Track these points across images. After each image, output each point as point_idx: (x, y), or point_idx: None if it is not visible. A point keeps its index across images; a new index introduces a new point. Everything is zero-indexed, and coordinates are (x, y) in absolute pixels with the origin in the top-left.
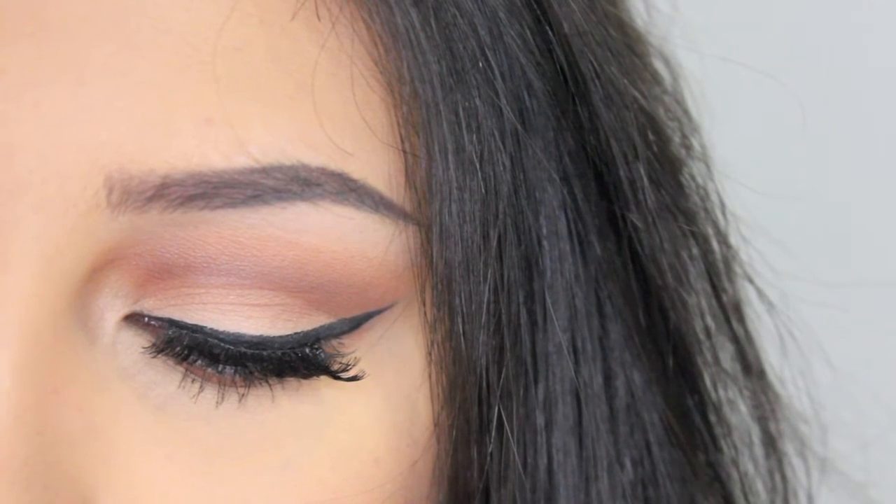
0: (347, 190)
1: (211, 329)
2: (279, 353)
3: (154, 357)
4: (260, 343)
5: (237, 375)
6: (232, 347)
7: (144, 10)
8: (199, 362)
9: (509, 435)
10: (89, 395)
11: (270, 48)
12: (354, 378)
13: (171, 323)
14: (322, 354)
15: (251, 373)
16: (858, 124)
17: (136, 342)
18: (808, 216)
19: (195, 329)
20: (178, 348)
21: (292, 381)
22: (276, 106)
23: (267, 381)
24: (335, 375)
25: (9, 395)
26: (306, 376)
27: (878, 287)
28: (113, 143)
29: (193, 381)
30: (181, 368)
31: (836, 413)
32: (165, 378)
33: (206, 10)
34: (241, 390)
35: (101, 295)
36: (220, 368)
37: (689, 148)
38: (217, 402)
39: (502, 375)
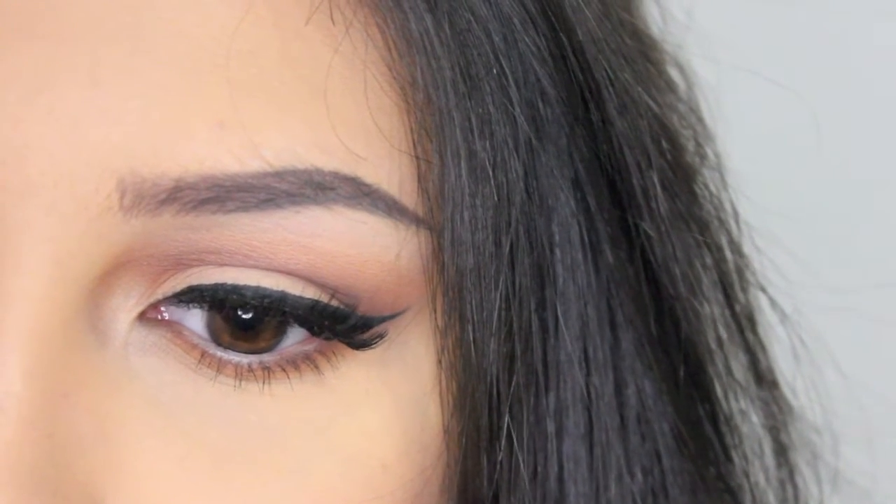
0: (360, 194)
1: (232, 284)
2: (299, 312)
3: (179, 305)
4: (281, 298)
5: (255, 364)
6: (254, 301)
7: (158, 13)
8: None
9: (519, 443)
10: (100, 399)
11: (284, 52)
12: (371, 342)
13: (192, 289)
14: (339, 327)
15: (272, 318)
16: (873, 133)
17: (149, 339)
18: (823, 225)
19: (216, 288)
20: (201, 301)
21: (309, 375)
22: (290, 110)
23: (285, 371)
24: (351, 337)
25: (19, 399)
26: (327, 338)
27: (892, 297)
28: (125, 145)
29: (210, 364)
30: (195, 355)
31: (848, 423)
32: (177, 378)
33: (219, 13)
34: (260, 385)
35: (113, 296)
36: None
37: (703, 157)
38: (230, 397)
39: (513, 383)
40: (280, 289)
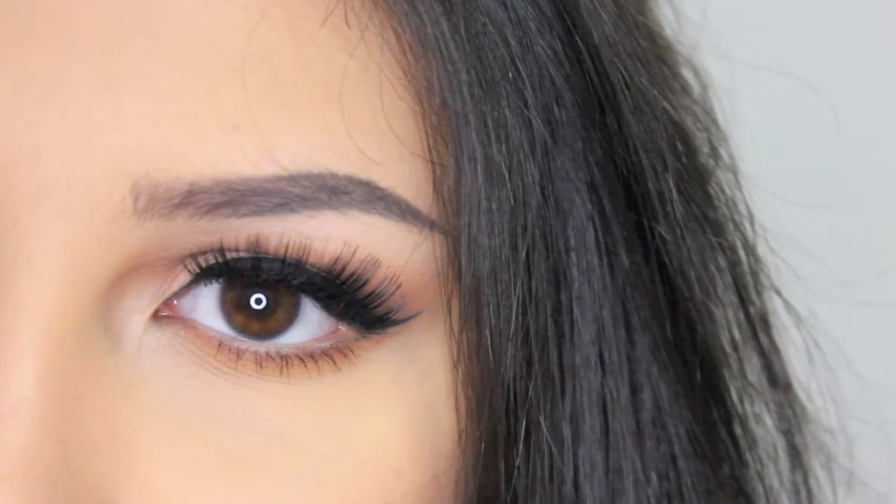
0: (375, 198)
1: (252, 255)
2: (315, 280)
3: (196, 280)
4: (298, 263)
5: (272, 351)
6: (273, 265)
7: (172, 16)
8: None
9: (536, 447)
10: (112, 402)
11: (299, 55)
12: (385, 319)
13: (209, 265)
14: (357, 294)
15: (286, 291)
16: (891, 133)
17: (163, 339)
18: (836, 227)
19: (233, 260)
20: (217, 274)
21: (328, 368)
22: (304, 113)
23: (303, 362)
24: (366, 312)
25: (32, 404)
26: (341, 315)
27: None
28: (140, 149)
29: (227, 355)
30: (212, 348)
31: (863, 426)
32: (191, 380)
33: (234, 16)
34: (278, 377)
35: (126, 298)
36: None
37: (717, 158)
38: (245, 396)
39: (530, 388)
40: (297, 258)
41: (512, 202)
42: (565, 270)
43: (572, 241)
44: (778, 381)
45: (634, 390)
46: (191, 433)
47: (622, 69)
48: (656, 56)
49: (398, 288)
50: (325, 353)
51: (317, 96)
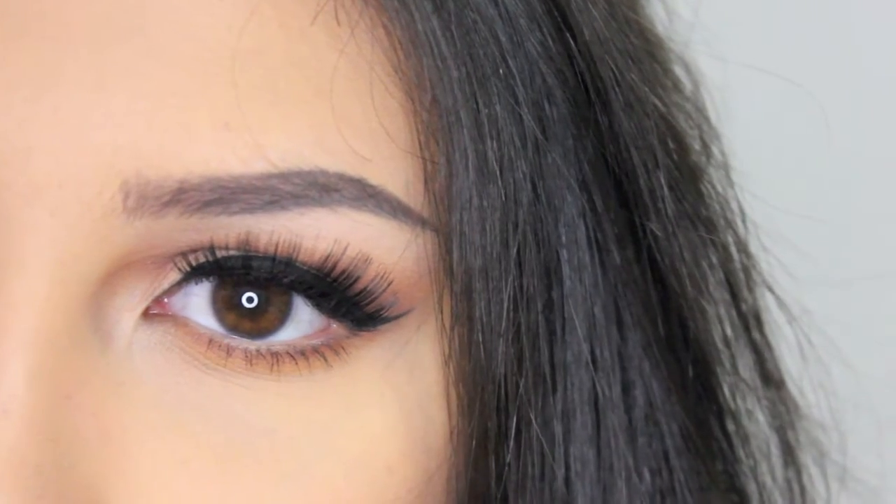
0: (365, 196)
1: (242, 253)
2: (308, 275)
3: (187, 279)
4: (288, 261)
5: (263, 349)
6: (264, 263)
7: (165, 15)
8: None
9: (527, 444)
10: (103, 400)
11: (289, 53)
12: (377, 316)
13: (200, 264)
14: (348, 291)
15: (278, 288)
16: (881, 131)
17: (154, 337)
18: (829, 223)
19: (224, 259)
20: (208, 273)
21: (319, 366)
22: (295, 111)
23: (294, 359)
24: (357, 308)
25: (23, 402)
26: (332, 313)
27: None
28: (130, 147)
29: (218, 352)
30: (202, 345)
31: (856, 422)
32: (182, 378)
33: (225, 14)
34: (268, 374)
35: (117, 296)
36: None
37: (709, 155)
38: (236, 393)
39: (521, 385)
40: (288, 255)
41: (503, 199)
42: (556, 267)
43: (563, 238)
44: (770, 377)
45: (626, 387)
46: (182, 431)
47: (613, 66)
48: (647, 53)
49: (389, 285)
50: (316, 350)
51: (307, 94)
